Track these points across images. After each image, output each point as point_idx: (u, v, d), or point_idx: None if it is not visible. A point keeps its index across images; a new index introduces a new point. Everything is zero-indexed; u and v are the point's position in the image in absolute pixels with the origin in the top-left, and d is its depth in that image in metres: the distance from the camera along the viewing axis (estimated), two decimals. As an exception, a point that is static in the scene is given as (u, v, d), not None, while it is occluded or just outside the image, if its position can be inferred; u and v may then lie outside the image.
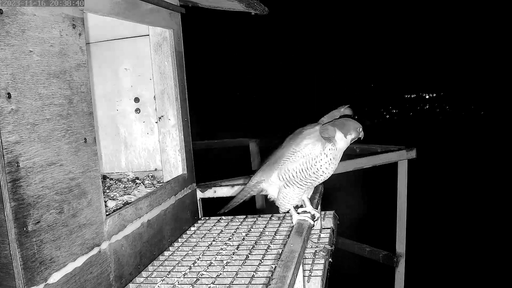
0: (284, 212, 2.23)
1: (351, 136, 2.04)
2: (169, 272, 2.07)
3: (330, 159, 2.00)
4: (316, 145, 1.99)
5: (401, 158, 4.39)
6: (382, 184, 6.87)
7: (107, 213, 1.90)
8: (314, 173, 2.01)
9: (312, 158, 1.99)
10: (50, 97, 1.52)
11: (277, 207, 2.24)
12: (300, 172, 2.02)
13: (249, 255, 2.17)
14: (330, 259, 2.26)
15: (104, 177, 2.94)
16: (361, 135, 2.08)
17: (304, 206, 2.25)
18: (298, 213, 2.19)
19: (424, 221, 8.41)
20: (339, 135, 2.03)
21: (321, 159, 1.99)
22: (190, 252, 2.31)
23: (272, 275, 1.51)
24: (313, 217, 2.18)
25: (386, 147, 4.52)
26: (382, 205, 7.00)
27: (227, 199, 3.05)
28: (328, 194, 2.99)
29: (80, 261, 1.64)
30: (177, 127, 2.70)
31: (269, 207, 2.43)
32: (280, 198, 2.14)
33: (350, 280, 6.48)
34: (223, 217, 2.85)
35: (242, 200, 2.35)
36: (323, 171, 2.01)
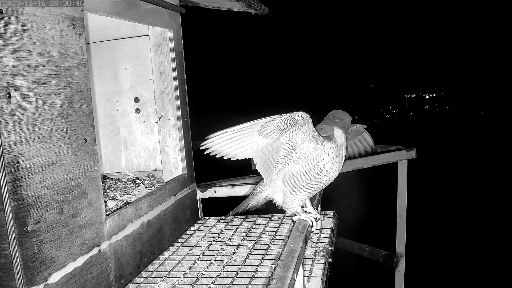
0: (291, 215, 2.21)
1: (348, 130, 2.06)
2: (169, 272, 2.07)
3: (333, 157, 1.98)
4: (313, 144, 1.97)
5: (401, 158, 4.39)
6: (382, 184, 6.87)
7: (107, 213, 1.90)
8: (318, 173, 1.99)
9: (313, 158, 1.97)
10: (50, 97, 1.52)
11: (279, 208, 2.23)
12: (304, 175, 2.00)
13: (249, 255, 2.17)
14: (330, 259, 2.26)
15: (104, 177, 2.94)
16: (347, 120, 2.13)
17: (305, 206, 2.25)
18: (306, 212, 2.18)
19: (424, 221, 8.41)
20: (338, 132, 2.02)
21: (323, 159, 1.97)
22: (190, 252, 2.31)
23: (272, 275, 1.51)
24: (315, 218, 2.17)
25: (386, 147, 4.52)
26: (382, 205, 6.99)
27: (227, 199, 3.06)
28: (328, 194, 2.99)
29: (80, 261, 1.64)
30: (177, 127, 2.70)
31: (269, 207, 2.42)
32: (288, 202, 2.12)
33: (350, 280, 6.48)
34: (223, 217, 2.85)
35: (248, 208, 2.31)
36: (327, 171, 1.99)
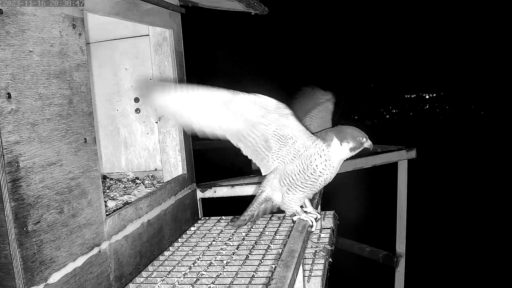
0: (291, 215, 2.20)
1: (348, 145, 1.98)
2: (169, 272, 2.07)
3: (325, 160, 1.97)
4: (301, 141, 1.95)
5: (401, 158, 4.39)
6: (382, 184, 6.87)
7: (107, 213, 1.91)
8: (312, 173, 1.98)
9: (306, 157, 1.96)
10: (50, 97, 1.52)
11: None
12: (298, 174, 2.00)
13: (249, 255, 2.17)
14: (330, 259, 2.26)
15: (104, 177, 2.94)
16: (367, 145, 2.02)
17: (304, 206, 2.25)
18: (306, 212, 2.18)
19: (424, 221, 8.41)
20: (335, 141, 1.99)
21: (315, 159, 1.96)
22: (190, 252, 2.31)
23: (272, 275, 1.51)
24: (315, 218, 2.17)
25: (386, 147, 4.52)
26: (382, 205, 7.00)
27: (227, 199, 3.06)
28: (328, 194, 2.99)
29: (80, 261, 1.64)
30: (177, 127, 2.70)
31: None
32: (286, 202, 2.12)
33: (350, 280, 6.48)
34: (223, 217, 2.86)
35: (254, 215, 2.18)
36: (320, 172, 1.98)
